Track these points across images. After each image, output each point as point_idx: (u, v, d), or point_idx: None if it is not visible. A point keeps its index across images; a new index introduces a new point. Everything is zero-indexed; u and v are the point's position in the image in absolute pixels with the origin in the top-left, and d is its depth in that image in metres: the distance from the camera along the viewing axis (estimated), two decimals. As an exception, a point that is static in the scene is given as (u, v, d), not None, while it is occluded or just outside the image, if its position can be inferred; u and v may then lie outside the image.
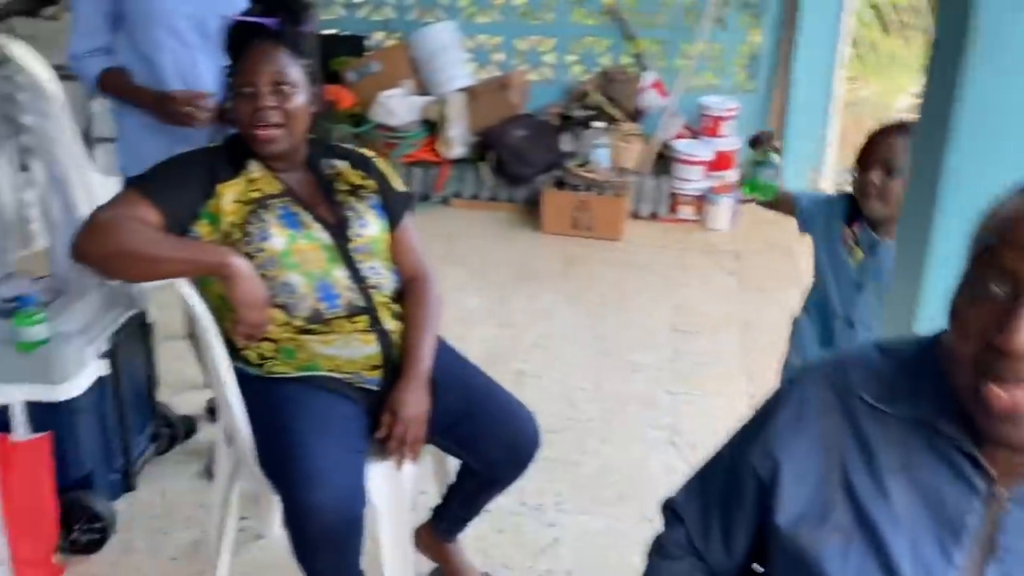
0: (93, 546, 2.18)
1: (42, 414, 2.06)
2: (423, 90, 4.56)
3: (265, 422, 1.72)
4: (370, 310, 1.76)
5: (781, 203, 2.14)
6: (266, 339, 1.73)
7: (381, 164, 1.93)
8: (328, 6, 4.82)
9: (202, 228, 1.72)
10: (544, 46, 4.92)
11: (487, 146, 4.41)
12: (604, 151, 4.26)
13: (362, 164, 1.90)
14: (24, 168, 2.87)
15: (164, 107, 2.06)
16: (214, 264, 1.65)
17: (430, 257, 1.91)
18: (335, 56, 4.60)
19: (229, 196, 1.73)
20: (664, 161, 4.39)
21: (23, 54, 2.59)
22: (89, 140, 3.68)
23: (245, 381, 1.77)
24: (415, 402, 1.73)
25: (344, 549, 1.63)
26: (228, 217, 1.72)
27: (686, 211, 4.35)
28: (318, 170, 1.84)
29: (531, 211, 4.39)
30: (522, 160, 4.32)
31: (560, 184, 4.22)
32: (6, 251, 2.84)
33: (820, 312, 2.04)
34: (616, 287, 3.74)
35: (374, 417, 1.76)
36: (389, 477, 1.75)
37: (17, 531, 1.95)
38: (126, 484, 2.33)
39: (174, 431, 2.59)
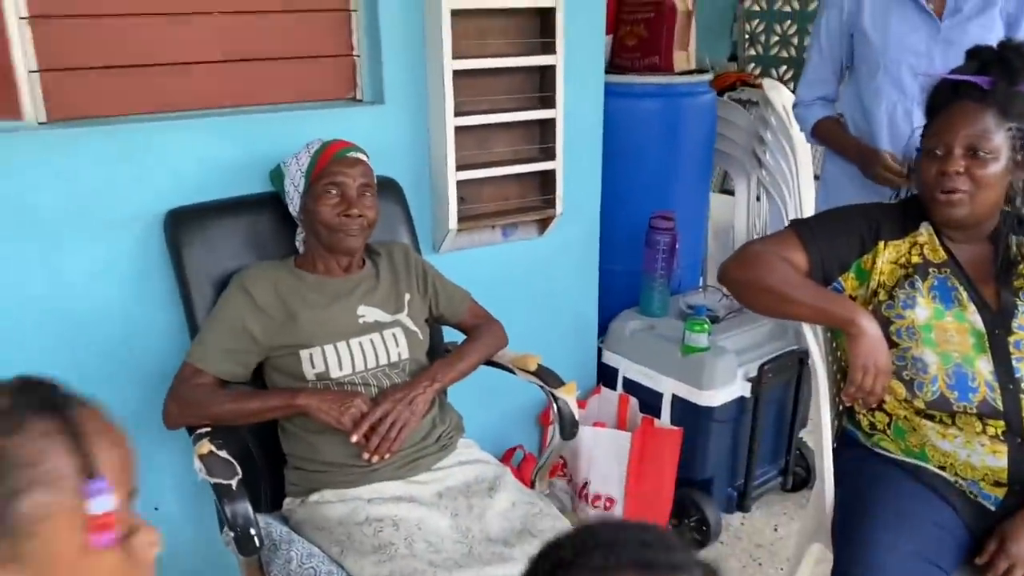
0: (694, 545, 2.37)
1: (683, 411, 2.32)
2: None
3: (850, 494, 1.63)
4: (1012, 417, 1.50)
5: None
6: (881, 410, 1.63)
7: None
8: None
9: (847, 281, 1.69)
10: None
11: None
12: None
13: None
14: (758, 199, 3.20)
15: (866, 163, 2.07)
16: (842, 319, 1.60)
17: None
18: None
19: (887, 255, 1.66)
20: None
21: (780, 99, 2.86)
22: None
23: (850, 445, 1.70)
24: (1036, 543, 1.43)
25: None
26: (879, 276, 1.65)
27: None
28: (1001, 246, 1.63)
29: None
30: None
31: None
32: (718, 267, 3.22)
33: None
34: None
35: (977, 538, 1.51)
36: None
37: (635, 502, 2.24)
38: (741, 503, 2.45)
39: (808, 473, 2.61)
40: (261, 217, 1.79)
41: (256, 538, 1.37)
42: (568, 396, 1.70)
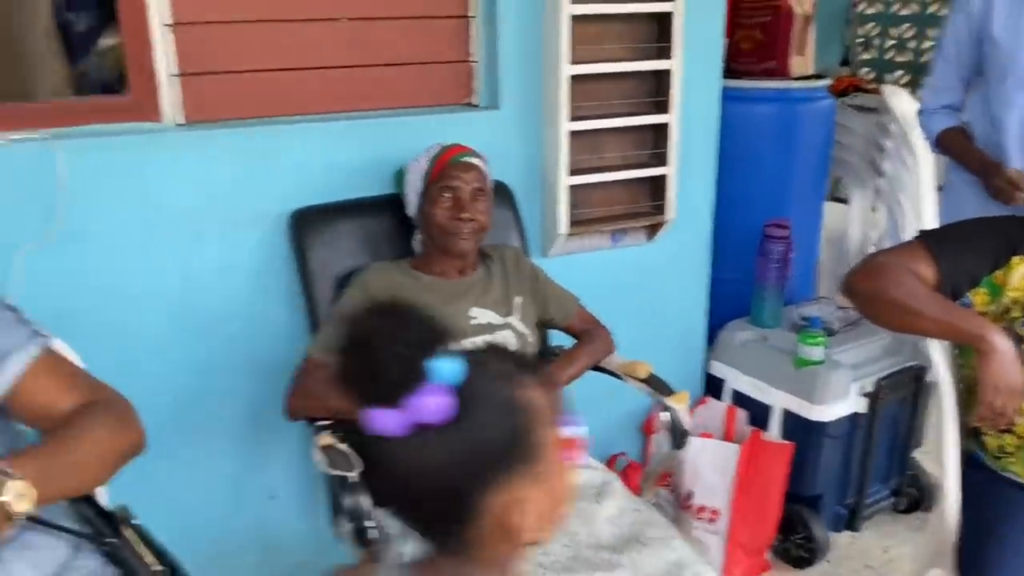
0: (800, 563, 2.30)
1: (793, 425, 2.26)
2: None
3: (977, 519, 1.56)
4: None
5: None
6: (1011, 432, 1.55)
7: None
8: None
9: (978, 296, 1.62)
10: None
11: None
12: None
13: None
14: (875, 209, 3.09)
15: (988, 177, 1.99)
16: (971, 335, 1.53)
17: None
18: None
19: (1022, 270, 1.58)
20: None
21: (902, 106, 2.75)
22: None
23: (976, 468, 1.62)
24: None
25: None
26: (1013, 292, 1.58)
27: None
28: None
29: None
30: None
31: None
32: (834, 278, 3.12)
33: None
34: None
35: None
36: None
37: (740, 515, 2.20)
38: (850, 522, 2.37)
39: (921, 494, 2.51)
40: (380, 218, 1.84)
41: (372, 531, 1.40)
42: (680, 405, 1.68)
